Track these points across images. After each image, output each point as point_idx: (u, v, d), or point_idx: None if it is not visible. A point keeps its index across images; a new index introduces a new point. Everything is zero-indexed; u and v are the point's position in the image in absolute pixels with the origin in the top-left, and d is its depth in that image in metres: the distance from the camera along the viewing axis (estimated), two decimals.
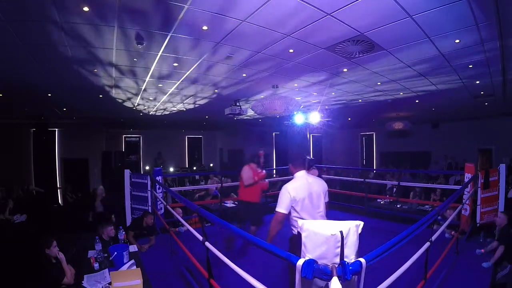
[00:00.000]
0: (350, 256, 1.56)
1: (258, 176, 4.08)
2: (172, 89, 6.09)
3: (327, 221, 1.70)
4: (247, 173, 4.09)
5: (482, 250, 3.72)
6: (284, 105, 5.77)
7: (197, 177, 11.55)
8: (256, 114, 7.30)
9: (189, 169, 13.97)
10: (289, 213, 2.51)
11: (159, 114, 9.38)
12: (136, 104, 7.57)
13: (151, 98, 7.01)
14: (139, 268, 2.94)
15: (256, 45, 3.83)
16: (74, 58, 4.07)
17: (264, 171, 4.30)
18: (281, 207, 2.48)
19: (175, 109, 8.62)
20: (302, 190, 2.51)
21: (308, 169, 4.27)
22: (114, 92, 6.23)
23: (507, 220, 3.75)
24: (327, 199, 2.69)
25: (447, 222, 3.38)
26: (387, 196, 7.75)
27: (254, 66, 4.72)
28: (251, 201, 4.11)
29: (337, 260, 1.47)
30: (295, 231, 2.43)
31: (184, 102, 7.58)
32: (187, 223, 3.34)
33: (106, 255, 3.38)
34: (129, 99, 6.96)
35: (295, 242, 2.19)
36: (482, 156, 11.45)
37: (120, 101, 7.12)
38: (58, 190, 10.28)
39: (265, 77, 5.32)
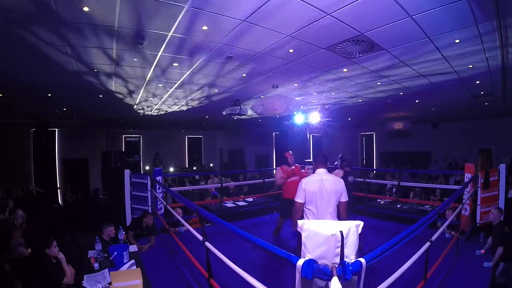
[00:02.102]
0: (350, 256, 1.56)
1: (286, 174, 4.51)
2: (172, 89, 6.09)
3: (327, 221, 1.70)
4: (278, 173, 4.60)
5: (482, 251, 3.72)
6: (284, 105, 5.78)
7: (197, 177, 11.54)
8: (256, 114, 7.30)
9: (189, 169, 13.96)
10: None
11: (159, 114, 9.38)
12: (136, 103, 7.56)
13: (150, 98, 7.01)
14: (139, 268, 2.94)
15: (256, 45, 3.83)
16: (74, 58, 4.08)
17: (292, 166, 4.70)
18: (297, 197, 2.86)
19: (170, 110, 8.63)
20: (313, 184, 2.81)
21: (341, 167, 4.49)
22: (114, 91, 6.22)
23: (500, 216, 3.79)
24: (344, 199, 2.87)
25: (447, 222, 3.38)
26: (387, 196, 7.75)
27: (254, 66, 4.72)
28: (287, 197, 4.49)
29: (337, 260, 1.47)
30: None
31: (184, 102, 7.58)
32: (187, 223, 3.34)
33: (106, 255, 3.39)
34: (130, 93, 6.97)
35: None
36: (482, 156, 11.44)
37: (120, 98, 7.11)
38: (58, 190, 10.28)
39: (265, 77, 5.32)
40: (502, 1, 2.63)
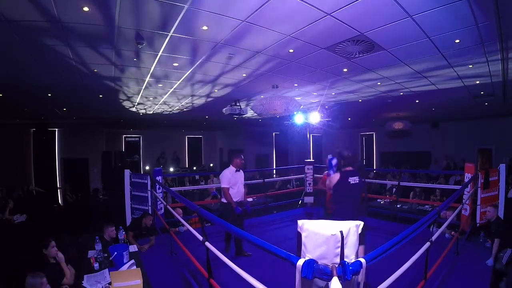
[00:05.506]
0: (350, 256, 1.56)
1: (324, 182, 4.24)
2: (172, 89, 6.08)
3: (327, 221, 1.70)
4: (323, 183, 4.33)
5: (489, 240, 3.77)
6: (284, 105, 5.76)
7: (197, 177, 11.53)
8: (256, 114, 7.30)
9: (189, 169, 13.95)
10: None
11: (159, 113, 9.38)
12: (136, 103, 7.56)
13: (150, 98, 7.01)
14: (139, 268, 2.94)
15: (256, 45, 3.83)
16: (74, 58, 4.07)
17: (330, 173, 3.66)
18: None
19: (170, 109, 8.62)
20: None
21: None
22: (114, 91, 6.22)
23: (497, 213, 3.86)
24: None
25: (447, 222, 3.38)
26: (387, 196, 7.75)
27: (254, 66, 4.72)
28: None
29: (337, 260, 1.47)
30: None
31: (183, 102, 7.58)
32: (187, 223, 3.34)
33: (106, 255, 3.38)
34: (129, 98, 6.96)
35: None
36: (482, 156, 11.44)
37: (120, 100, 7.11)
38: (58, 190, 10.28)
39: (265, 77, 5.32)
40: (502, 1, 2.63)
